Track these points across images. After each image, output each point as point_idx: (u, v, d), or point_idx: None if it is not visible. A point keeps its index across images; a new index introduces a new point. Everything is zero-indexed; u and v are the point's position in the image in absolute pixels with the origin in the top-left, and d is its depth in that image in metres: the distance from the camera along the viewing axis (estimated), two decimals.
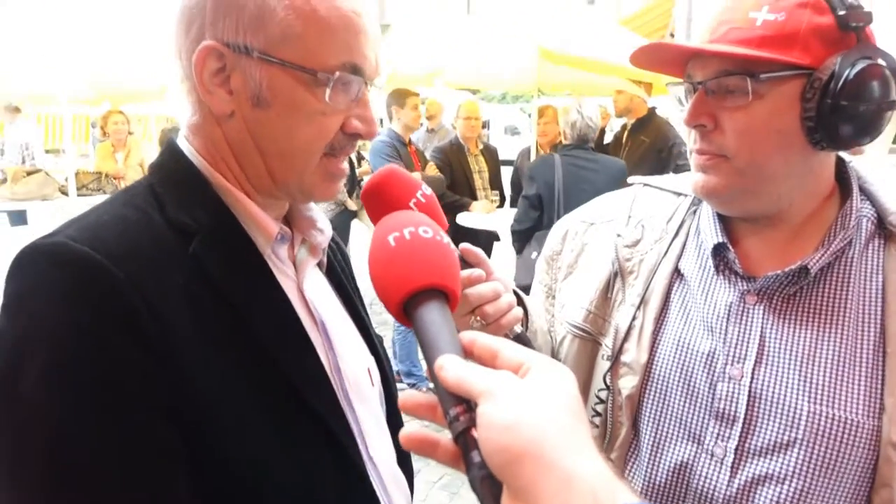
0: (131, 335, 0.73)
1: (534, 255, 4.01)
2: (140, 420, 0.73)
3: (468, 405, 0.57)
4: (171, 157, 0.91)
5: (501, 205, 5.78)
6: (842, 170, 1.09)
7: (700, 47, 1.00)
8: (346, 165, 0.94)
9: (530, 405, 0.54)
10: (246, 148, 0.88)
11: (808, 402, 0.98)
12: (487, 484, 0.53)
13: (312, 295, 0.97)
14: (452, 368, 0.58)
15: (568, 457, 0.51)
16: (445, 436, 0.60)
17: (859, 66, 0.92)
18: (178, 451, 0.75)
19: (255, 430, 0.81)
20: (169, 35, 0.87)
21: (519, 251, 4.47)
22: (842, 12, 0.95)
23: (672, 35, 7.12)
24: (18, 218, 7.55)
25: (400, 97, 5.10)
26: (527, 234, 4.28)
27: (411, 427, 0.63)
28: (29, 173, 6.65)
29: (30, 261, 0.75)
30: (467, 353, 0.62)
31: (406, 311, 0.68)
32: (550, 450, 0.51)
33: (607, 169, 4.14)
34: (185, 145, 0.91)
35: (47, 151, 10.04)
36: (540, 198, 4.18)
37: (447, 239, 0.74)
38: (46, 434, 0.70)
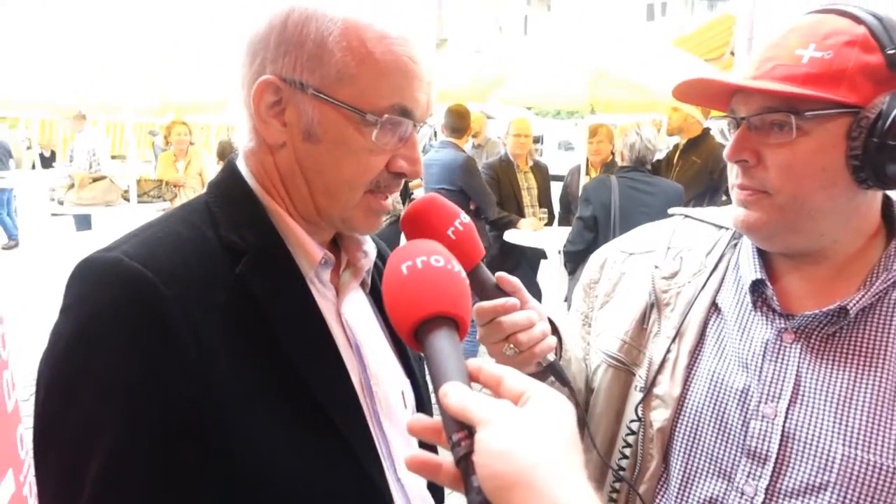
0: (171, 352, 0.78)
1: None
2: (167, 437, 0.77)
3: (470, 431, 0.60)
4: (229, 177, 0.96)
5: (550, 223, 5.76)
6: (888, 208, 1.07)
7: (744, 83, 1.00)
8: (389, 202, 0.97)
9: (525, 434, 0.56)
10: (294, 178, 0.92)
11: (843, 445, 0.96)
12: None
13: (350, 318, 1.00)
14: (455, 395, 0.61)
15: (557, 486, 0.53)
16: (450, 460, 0.63)
17: None
18: (203, 468, 0.79)
19: (281, 452, 0.84)
20: (234, 64, 0.92)
21: (571, 272, 4.45)
22: (891, 51, 0.93)
23: (732, 54, 6.99)
24: (84, 222, 7.89)
25: (463, 120, 5.15)
26: (580, 256, 4.25)
27: (415, 450, 0.66)
28: (94, 179, 6.95)
29: (87, 272, 0.81)
30: (473, 380, 0.66)
31: (418, 337, 0.71)
32: (540, 478, 0.54)
33: (664, 192, 4.09)
34: (242, 167, 0.96)
35: (113, 157, 10.44)
36: (595, 219, 4.16)
37: (458, 267, 0.77)
38: (92, 436, 0.75)
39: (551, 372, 1.05)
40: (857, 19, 0.96)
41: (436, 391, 0.65)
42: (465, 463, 0.59)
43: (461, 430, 0.61)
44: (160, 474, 0.77)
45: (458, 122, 5.15)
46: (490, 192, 5.11)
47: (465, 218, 1.00)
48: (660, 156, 5.84)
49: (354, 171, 0.89)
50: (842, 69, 0.94)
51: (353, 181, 0.90)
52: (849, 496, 0.95)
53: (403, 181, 0.97)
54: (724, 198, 5.01)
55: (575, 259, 4.34)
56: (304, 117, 0.87)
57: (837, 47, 0.95)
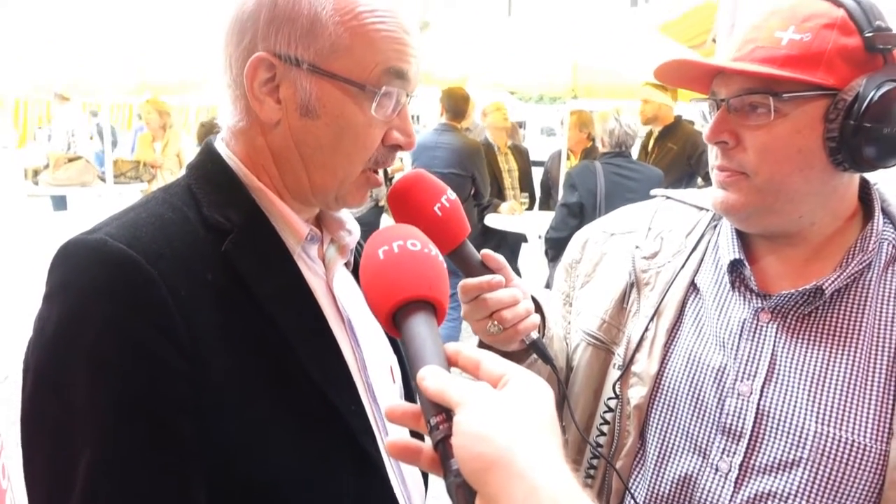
0: (161, 330, 0.77)
1: None
2: (163, 414, 0.77)
3: (448, 414, 0.60)
4: (207, 159, 0.95)
5: (531, 207, 5.76)
6: (865, 191, 1.09)
7: (724, 65, 1.01)
8: (381, 175, 0.97)
9: (503, 416, 0.56)
10: (289, 156, 0.91)
11: (816, 422, 0.98)
12: (462, 491, 0.56)
13: (341, 293, 1.00)
14: (433, 378, 0.61)
15: (535, 468, 0.53)
16: (430, 444, 0.63)
17: (885, 88, 0.92)
18: (199, 444, 0.78)
19: (274, 427, 0.84)
20: (218, 45, 0.91)
21: (553, 259, 4.44)
22: (869, 34, 0.95)
23: (714, 41, 7.01)
24: (60, 203, 7.78)
25: (465, 103, 5.15)
26: (563, 243, 4.23)
27: (395, 435, 0.65)
28: (70, 160, 6.84)
29: (71, 255, 0.80)
30: (452, 364, 0.65)
31: (395, 322, 0.70)
32: (519, 460, 0.53)
33: (648, 178, 4.11)
34: (222, 148, 0.95)
35: (91, 138, 10.25)
36: (581, 206, 4.16)
37: (435, 251, 0.77)
38: (86, 420, 0.75)
39: (534, 350, 1.06)
40: (835, 2, 0.97)
41: (413, 375, 0.64)
42: (443, 446, 0.59)
43: (439, 414, 0.60)
44: (159, 454, 0.76)
45: (460, 105, 5.12)
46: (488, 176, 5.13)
47: (451, 195, 1.01)
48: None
49: (354, 145, 0.89)
50: (820, 51, 0.95)
51: (352, 156, 0.90)
52: (821, 472, 0.97)
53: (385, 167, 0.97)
54: (700, 183, 5.05)
55: (557, 246, 4.31)
56: (300, 93, 0.87)
57: (816, 30, 0.96)
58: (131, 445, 0.75)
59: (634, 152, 5.62)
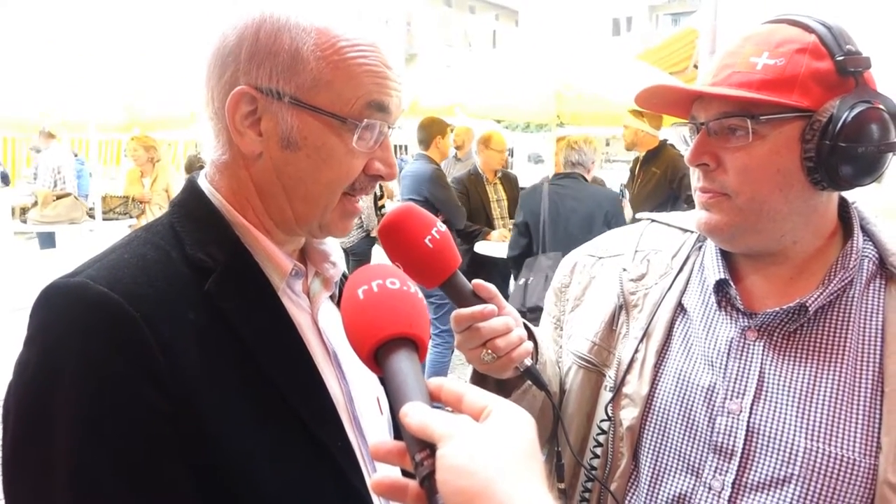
0: (143, 371, 0.77)
1: (522, 280, 4.09)
2: (144, 456, 0.76)
3: (432, 450, 0.60)
4: (191, 197, 0.95)
5: None
6: (845, 210, 1.11)
7: (702, 89, 1.04)
8: (361, 204, 0.98)
9: (486, 449, 0.57)
10: (271, 187, 0.92)
11: (805, 438, 0.99)
12: None
13: (326, 326, 1.00)
14: (415, 414, 0.62)
15: (519, 499, 0.54)
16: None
17: (858, 109, 0.95)
18: (186, 486, 0.78)
19: (261, 465, 0.84)
20: (200, 78, 0.92)
21: (514, 277, 4.55)
22: (840, 58, 0.98)
23: (696, 66, 7.12)
24: (48, 240, 7.76)
25: (439, 127, 5.27)
26: (518, 261, 4.37)
27: (381, 473, 0.66)
28: (58, 197, 6.83)
29: (52, 299, 0.80)
30: (434, 399, 0.66)
31: (378, 360, 0.71)
32: (502, 492, 0.54)
33: (594, 198, 4.18)
34: (205, 185, 0.95)
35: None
36: (527, 225, 4.28)
37: (415, 288, 0.78)
38: (67, 463, 0.74)
39: (528, 376, 1.06)
40: (807, 28, 1.01)
41: (396, 412, 0.65)
42: (428, 482, 0.59)
43: (423, 450, 0.61)
44: (140, 494, 0.76)
45: (421, 133, 5.26)
46: (458, 203, 5.17)
47: (441, 226, 1.01)
48: (622, 167, 5.91)
49: (335, 175, 0.91)
50: (794, 75, 0.98)
51: (333, 186, 0.91)
52: (812, 488, 0.98)
53: (373, 194, 0.98)
54: (684, 206, 5.09)
55: (515, 264, 4.45)
56: (281, 125, 0.88)
57: (789, 55, 0.99)
58: (112, 487, 0.75)
59: (622, 178, 5.66)
